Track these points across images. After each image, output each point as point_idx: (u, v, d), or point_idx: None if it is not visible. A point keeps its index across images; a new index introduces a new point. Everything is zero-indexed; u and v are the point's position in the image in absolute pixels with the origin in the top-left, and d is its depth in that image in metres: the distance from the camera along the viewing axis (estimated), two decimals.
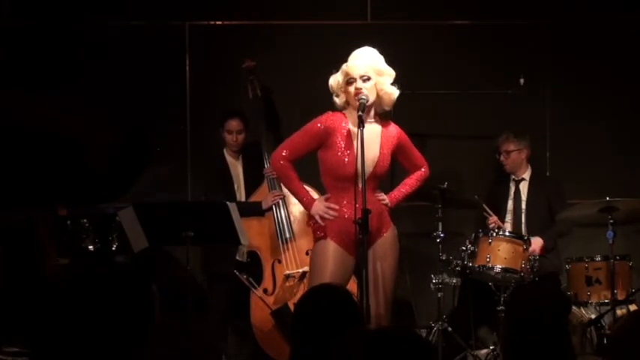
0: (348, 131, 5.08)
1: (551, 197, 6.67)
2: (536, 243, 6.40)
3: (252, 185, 6.53)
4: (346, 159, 5.04)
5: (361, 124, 4.89)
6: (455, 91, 7.07)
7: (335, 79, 5.13)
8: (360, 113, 4.93)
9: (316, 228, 5.15)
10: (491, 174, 7.00)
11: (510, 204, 6.75)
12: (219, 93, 7.06)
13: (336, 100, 5.16)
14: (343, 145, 5.06)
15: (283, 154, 5.16)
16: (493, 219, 6.52)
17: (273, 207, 6.33)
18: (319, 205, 5.13)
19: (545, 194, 6.69)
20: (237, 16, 7.19)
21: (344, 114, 5.15)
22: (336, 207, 5.11)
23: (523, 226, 6.63)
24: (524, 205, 6.71)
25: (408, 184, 5.37)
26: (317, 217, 5.13)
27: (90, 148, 6.84)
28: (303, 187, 5.25)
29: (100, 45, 7.03)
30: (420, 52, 7.07)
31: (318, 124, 5.12)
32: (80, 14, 7.03)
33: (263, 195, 6.40)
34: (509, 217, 6.73)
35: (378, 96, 5.09)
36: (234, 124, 6.53)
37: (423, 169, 5.39)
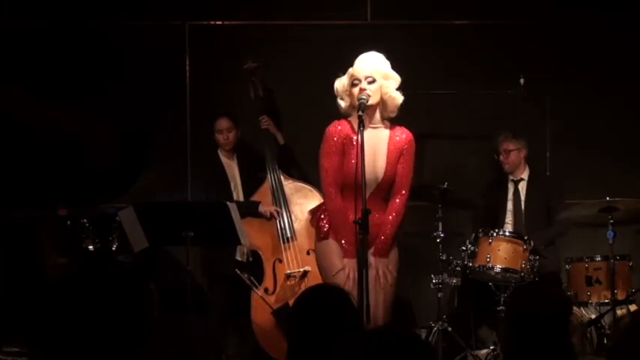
0: (356, 139, 5.04)
1: (550, 197, 6.68)
2: None
3: (249, 185, 6.52)
4: (350, 165, 4.97)
5: (361, 124, 4.86)
6: (455, 91, 7.07)
7: (340, 82, 5.09)
8: (360, 113, 4.89)
9: (320, 227, 5.16)
10: (491, 174, 7.00)
11: (510, 205, 6.75)
12: (219, 93, 7.05)
13: (341, 103, 5.10)
14: (353, 153, 4.99)
15: (332, 190, 5.05)
16: None
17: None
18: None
19: (544, 194, 6.70)
20: (238, 16, 7.19)
21: (349, 121, 5.11)
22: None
23: (523, 226, 6.63)
24: (523, 206, 6.71)
25: (389, 225, 5.12)
26: None
27: (90, 147, 6.84)
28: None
29: (99, 45, 7.02)
30: (420, 52, 7.06)
31: (335, 138, 5.05)
32: (80, 15, 7.03)
33: (263, 197, 6.40)
34: (509, 218, 6.73)
35: (382, 100, 5.05)
36: (223, 123, 6.53)
37: (403, 192, 5.13)
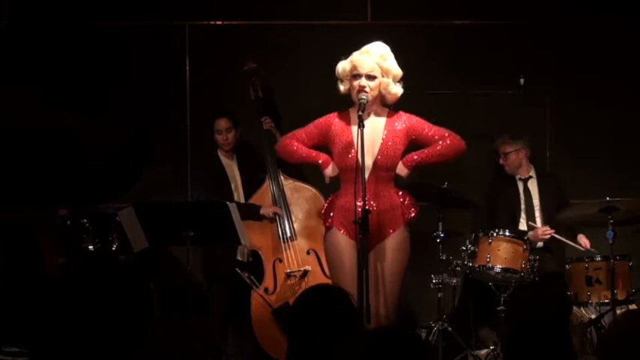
0: (353, 126, 5.12)
1: (558, 193, 6.71)
2: (584, 239, 6.55)
3: (249, 186, 6.53)
4: (350, 150, 5.08)
5: (361, 123, 4.91)
6: (455, 91, 7.07)
7: (342, 66, 5.17)
8: (360, 113, 4.95)
9: (325, 217, 5.25)
10: (491, 174, 7.01)
11: (522, 203, 6.74)
12: (219, 93, 7.06)
13: (341, 86, 5.21)
14: (348, 138, 5.12)
15: (293, 138, 5.29)
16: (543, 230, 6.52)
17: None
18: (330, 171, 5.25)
19: (553, 190, 6.72)
20: (238, 16, 7.19)
21: (349, 116, 5.20)
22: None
23: (538, 222, 6.63)
24: (536, 202, 6.71)
25: (426, 151, 5.24)
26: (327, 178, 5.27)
27: (90, 147, 6.83)
28: (310, 151, 5.28)
29: (100, 45, 7.03)
30: (420, 52, 7.06)
31: (321, 120, 5.24)
32: (80, 15, 7.03)
33: (263, 197, 6.40)
34: (523, 216, 6.72)
35: (381, 94, 5.12)
36: (222, 123, 6.54)
37: (441, 143, 5.24)
